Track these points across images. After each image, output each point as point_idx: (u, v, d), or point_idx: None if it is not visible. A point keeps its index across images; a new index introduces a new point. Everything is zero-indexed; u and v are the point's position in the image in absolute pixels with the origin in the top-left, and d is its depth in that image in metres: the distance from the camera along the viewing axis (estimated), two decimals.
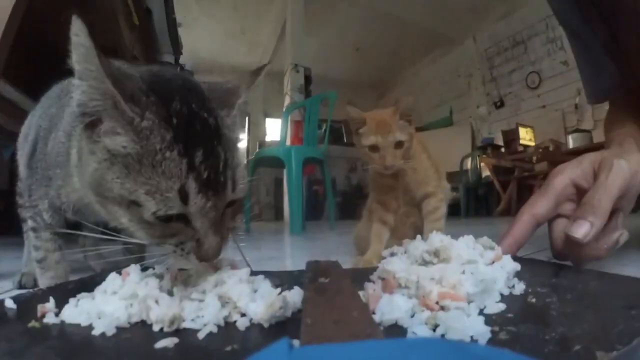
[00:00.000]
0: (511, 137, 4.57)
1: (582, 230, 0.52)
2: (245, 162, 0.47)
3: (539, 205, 0.60)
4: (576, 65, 0.96)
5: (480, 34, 5.25)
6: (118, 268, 0.45)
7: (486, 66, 5.22)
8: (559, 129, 4.37)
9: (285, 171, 2.68)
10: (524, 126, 4.55)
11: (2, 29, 0.81)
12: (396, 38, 5.52)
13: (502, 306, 0.38)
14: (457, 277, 0.39)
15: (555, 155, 3.75)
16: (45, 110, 0.68)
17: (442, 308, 0.36)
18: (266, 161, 2.69)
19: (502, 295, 0.41)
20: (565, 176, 0.61)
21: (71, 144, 0.50)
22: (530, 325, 0.34)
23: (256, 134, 6.06)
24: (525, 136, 4.51)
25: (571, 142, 3.88)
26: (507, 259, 0.46)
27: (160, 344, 0.34)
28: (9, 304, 0.43)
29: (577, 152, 3.44)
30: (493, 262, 0.45)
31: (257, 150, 3.72)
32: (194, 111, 0.41)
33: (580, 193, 0.60)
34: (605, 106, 0.95)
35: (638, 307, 0.34)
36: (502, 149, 4.64)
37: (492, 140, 4.76)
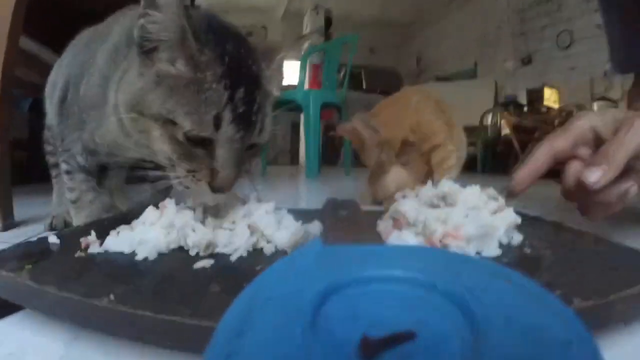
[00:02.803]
0: (535, 96, 4.44)
1: (594, 176, 0.53)
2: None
3: (558, 140, 0.60)
4: (605, 31, 0.94)
5: None
6: (142, 207, 0.49)
7: (517, 19, 4.99)
8: (586, 93, 4.20)
9: (302, 115, 2.69)
10: (550, 87, 4.41)
11: None
12: None
13: (498, 251, 0.43)
14: (460, 220, 0.43)
15: None
16: (73, 58, 0.70)
17: (444, 246, 0.41)
18: (283, 105, 2.67)
19: (500, 243, 0.45)
20: (586, 121, 0.61)
21: (109, 85, 0.53)
22: (520, 269, 0.37)
23: None
24: (550, 97, 4.38)
25: (596, 109, 3.78)
26: (509, 211, 0.49)
27: (199, 264, 0.39)
28: (53, 239, 0.46)
29: None
30: (495, 212, 0.48)
31: None
32: (242, 56, 0.46)
33: (597, 142, 0.60)
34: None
35: (623, 270, 0.37)
36: (525, 108, 4.54)
37: (515, 98, 4.64)
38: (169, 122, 0.44)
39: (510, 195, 0.58)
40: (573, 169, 0.59)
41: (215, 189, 0.46)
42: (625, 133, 0.56)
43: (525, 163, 0.60)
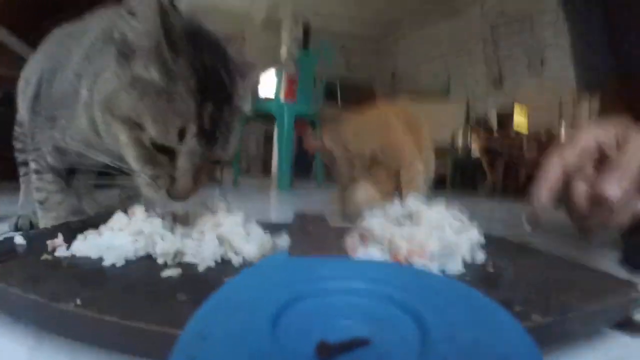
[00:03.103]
0: (505, 119, 4.57)
1: (613, 188, 0.50)
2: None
3: (567, 153, 0.57)
4: (570, 47, 0.96)
5: (487, 4, 5.12)
6: (111, 212, 0.49)
7: (490, 40, 5.14)
8: (555, 115, 4.36)
9: (276, 127, 2.69)
10: (520, 107, 4.55)
11: None
12: None
13: (461, 269, 0.44)
14: (425, 238, 0.44)
15: (547, 145, 3.78)
16: (48, 54, 0.69)
17: (409, 263, 0.42)
18: (258, 115, 2.67)
19: (464, 261, 0.46)
20: (591, 135, 0.58)
21: (81, 83, 0.52)
22: (481, 287, 0.38)
23: None
24: (520, 120, 4.52)
25: (563, 131, 3.90)
26: (473, 230, 0.50)
27: (166, 273, 0.39)
28: (19, 240, 0.46)
29: None
30: (460, 232, 0.49)
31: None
32: (217, 69, 0.46)
33: (601, 159, 0.57)
34: None
35: (584, 289, 0.39)
36: (494, 132, 4.66)
37: (486, 120, 4.77)
38: (137, 126, 0.44)
39: (536, 223, 0.54)
40: (582, 189, 0.55)
41: (171, 196, 0.46)
42: (636, 147, 0.54)
43: (541, 183, 0.57)
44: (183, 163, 0.45)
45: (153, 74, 0.44)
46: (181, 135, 0.43)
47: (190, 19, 0.51)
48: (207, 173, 0.49)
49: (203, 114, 0.44)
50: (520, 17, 4.69)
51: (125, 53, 0.45)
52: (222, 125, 0.46)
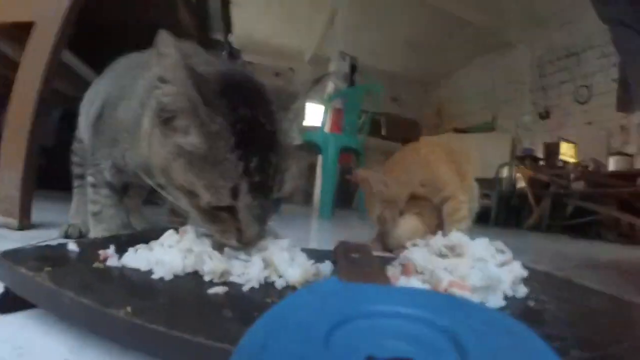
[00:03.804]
0: (552, 150, 4.45)
1: None
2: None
3: None
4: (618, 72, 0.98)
5: (536, 41, 5.07)
6: (156, 229, 0.51)
7: (537, 74, 5.07)
8: (602, 148, 4.21)
9: (320, 157, 2.74)
10: (567, 141, 4.42)
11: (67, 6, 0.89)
12: (448, 35, 5.38)
13: (502, 303, 0.44)
14: (466, 270, 0.45)
15: (595, 176, 3.64)
16: (113, 80, 0.73)
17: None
18: (303, 144, 2.71)
19: (505, 295, 0.46)
20: None
21: (144, 112, 0.56)
22: (521, 321, 0.39)
23: None
24: (567, 152, 4.38)
25: (612, 164, 3.76)
26: (516, 264, 0.50)
27: (213, 290, 0.41)
28: (72, 247, 0.48)
29: (617, 176, 3.34)
30: (502, 265, 0.49)
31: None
32: (256, 118, 0.48)
33: None
34: None
35: (627, 324, 0.38)
36: (541, 162, 4.53)
37: (532, 152, 4.65)
38: (192, 193, 0.47)
39: None
40: None
41: (243, 244, 0.48)
42: None
43: None
44: (244, 216, 0.47)
45: (193, 139, 0.46)
46: (234, 194, 0.45)
47: (225, 68, 0.53)
48: (271, 212, 0.51)
49: (250, 169, 0.45)
50: (568, 53, 4.63)
51: (166, 119, 0.48)
52: (272, 171, 0.47)
